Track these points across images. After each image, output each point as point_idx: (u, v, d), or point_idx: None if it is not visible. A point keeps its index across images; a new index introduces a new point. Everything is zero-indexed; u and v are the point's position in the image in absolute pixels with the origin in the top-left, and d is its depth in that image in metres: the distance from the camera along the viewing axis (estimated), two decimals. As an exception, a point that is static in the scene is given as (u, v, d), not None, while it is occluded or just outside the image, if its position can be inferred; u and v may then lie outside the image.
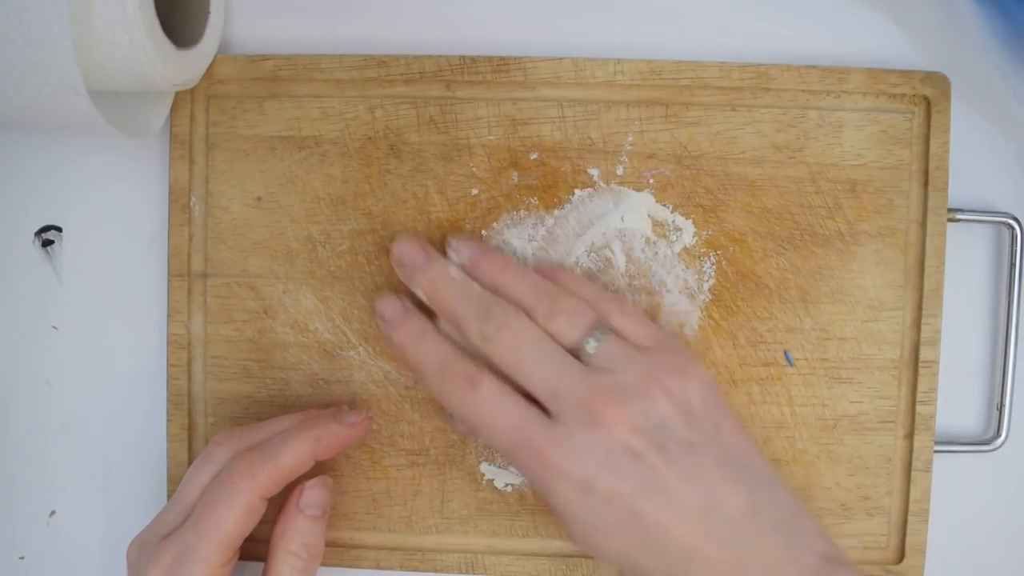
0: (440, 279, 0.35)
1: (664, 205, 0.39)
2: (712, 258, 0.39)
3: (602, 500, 0.32)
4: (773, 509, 0.33)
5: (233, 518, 0.33)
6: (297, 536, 0.34)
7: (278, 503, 0.35)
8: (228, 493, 0.33)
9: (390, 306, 0.36)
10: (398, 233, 0.38)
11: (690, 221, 0.39)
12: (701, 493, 0.32)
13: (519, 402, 0.33)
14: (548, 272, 0.37)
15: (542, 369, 0.33)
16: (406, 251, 0.36)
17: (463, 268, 0.36)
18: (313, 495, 0.35)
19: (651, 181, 0.39)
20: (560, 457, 0.32)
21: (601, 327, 0.34)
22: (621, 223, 0.39)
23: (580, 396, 0.32)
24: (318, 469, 0.36)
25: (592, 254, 0.39)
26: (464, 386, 0.33)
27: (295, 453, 0.34)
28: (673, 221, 0.39)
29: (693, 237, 0.39)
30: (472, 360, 0.34)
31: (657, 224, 0.39)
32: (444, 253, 0.37)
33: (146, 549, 0.34)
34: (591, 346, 0.33)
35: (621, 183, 0.39)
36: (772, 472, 0.34)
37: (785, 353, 0.39)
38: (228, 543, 0.33)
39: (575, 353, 0.34)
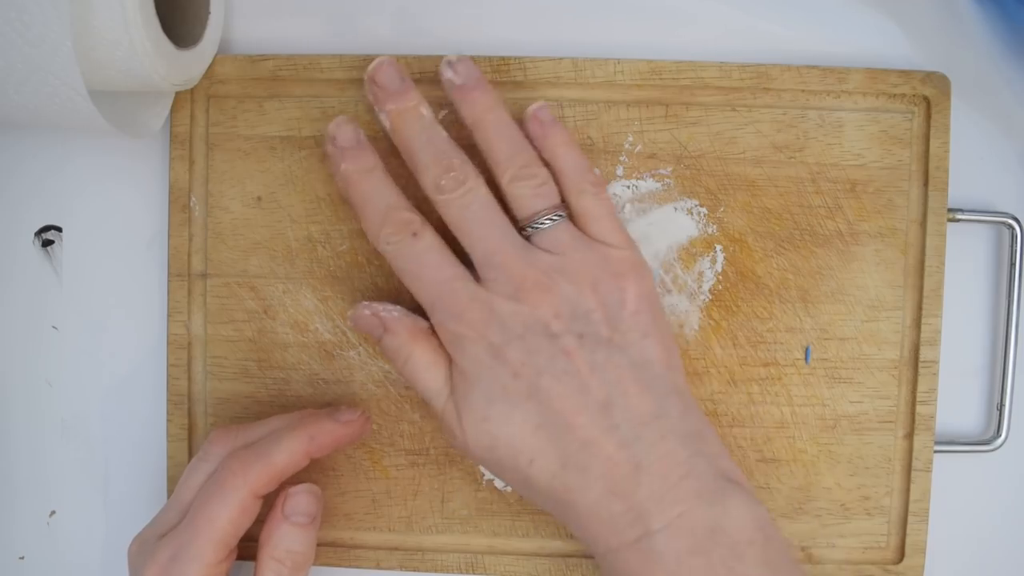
0: (411, 113, 0.34)
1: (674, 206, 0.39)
2: (712, 258, 0.39)
3: (510, 369, 0.32)
4: (679, 422, 0.33)
5: (226, 516, 0.33)
6: (281, 543, 0.34)
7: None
8: (221, 491, 0.33)
9: (344, 132, 0.35)
10: (380, 57, 0.35)
11: (692, 220, 0.39)
12: (608, 387, 0.32)
13: (453, 260, 0.34)
14: (543, 122, 0.35)
15: (485, 233, 0.33)
16: (383, 72, 0.34)
17: (452, 86, 0.35)
18: (298, 502, 0.35)
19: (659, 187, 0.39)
20: (478, 318, 0.33)
21: (560, 210, 0.34)
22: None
23: (513, 269, 0.33)
24: (319, 471, 0.36)
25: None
26: (404, 234, 0.33)
27: (288, 451, 0.34)
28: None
29: (694, 236, 0.39)
30: (415, 210, 0.34)
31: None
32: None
33: (144, 547, 0.34)
34: (542, 226, 0.33)
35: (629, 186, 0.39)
36: (688, 392, 0.34)
37: (807, 349, 0.39)
38: (222, 541, 0.33)
39: (525, 223, 0.34)
